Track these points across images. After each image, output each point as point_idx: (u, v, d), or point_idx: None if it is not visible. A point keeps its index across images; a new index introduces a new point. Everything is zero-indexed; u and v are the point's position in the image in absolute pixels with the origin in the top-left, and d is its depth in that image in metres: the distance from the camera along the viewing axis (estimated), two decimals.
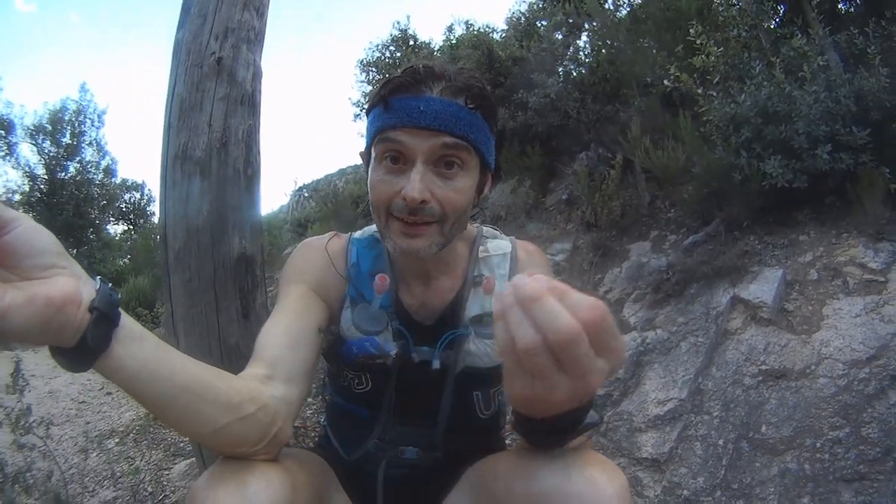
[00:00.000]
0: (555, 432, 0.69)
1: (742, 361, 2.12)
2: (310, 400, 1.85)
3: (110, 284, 0.60)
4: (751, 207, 2.64)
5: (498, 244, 1.06)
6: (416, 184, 0.81)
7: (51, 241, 0.55)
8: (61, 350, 0.56)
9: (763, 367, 2.06)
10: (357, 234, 1.07)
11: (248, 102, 1.49)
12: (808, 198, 2.51)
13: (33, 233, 0.53)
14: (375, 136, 0.86)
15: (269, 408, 0.74)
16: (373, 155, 0.88)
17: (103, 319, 0.57)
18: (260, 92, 1.55)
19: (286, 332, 0.87)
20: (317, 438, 1.25)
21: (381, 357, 0.94)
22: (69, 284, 0.54)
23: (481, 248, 1.04)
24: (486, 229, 1.10)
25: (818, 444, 1.80)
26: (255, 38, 1.54)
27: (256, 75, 1.54)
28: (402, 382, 0.99)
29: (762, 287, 2.28)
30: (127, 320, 0.61)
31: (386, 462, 1.00)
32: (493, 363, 0.99)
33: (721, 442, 1.94)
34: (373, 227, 1.05)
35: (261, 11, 1.56)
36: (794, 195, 2.45)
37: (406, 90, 0.84)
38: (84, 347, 0.56)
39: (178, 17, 1.49)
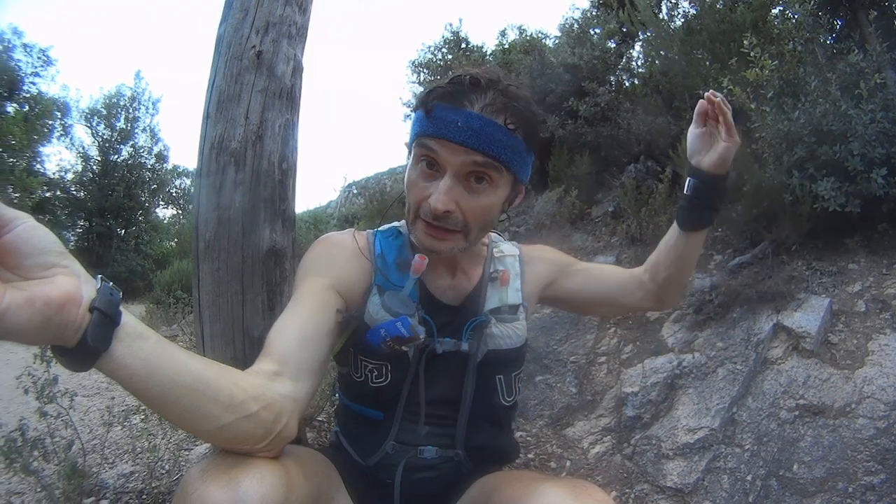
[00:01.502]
0: (724, 189, 1.01)
1: (780, 394, 2.02)
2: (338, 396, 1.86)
3: (111, 283, 0.60)
4: (800, 231, 2.52)
5: (507, 247, 1.15)
6: (441, 195, 0.86)
7: (51, 240, 0.55)
8: (62, 349, 0.56)
9: (801, 402, 1.95)
10: (380, 228, 1.11)
11: (287, 96, 1.49)
12: (860, 223, 2.38)
13: (34, 232, 0.53)
14: (415, 138, 0.91)
15: (273, 406, 0.74)
16: (413, 153, 0.93)
17: (104, 319, 0.56)
18: (300, 87, 1.56)
19: (299, 327, 0.87)
20: (327, 444, 1.24)
21: (410, 340, 0.92)
22: (69, 284, 0.54)
23: (495, 248, 1.13)
24: (493, 235, 1.16)
25: (850, 489, 1.69)
26: (296, 34, 1.54)
27: (297, 70, 1.54)
28: (423, 374, 0.99)
29: (807, 316, 2.17)
30: (128, 319, 0.60)
31: (404, 464, 0.99)
32: (516, 344, 1.04)
33: (750, 477, 1.85)
34: (395, 224, 1.11)
35: (303, 7, 1.56)
36: (846, 219, 2.33)
37: (449, 100, 0.87)
38: (85, 347, 0.55)
39: (222, 11, 1.51)
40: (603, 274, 1.18)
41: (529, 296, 1.11)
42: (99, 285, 0.58)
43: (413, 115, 0.95)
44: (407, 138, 1.02)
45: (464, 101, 0.86)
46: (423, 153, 0.89)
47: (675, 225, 1.06)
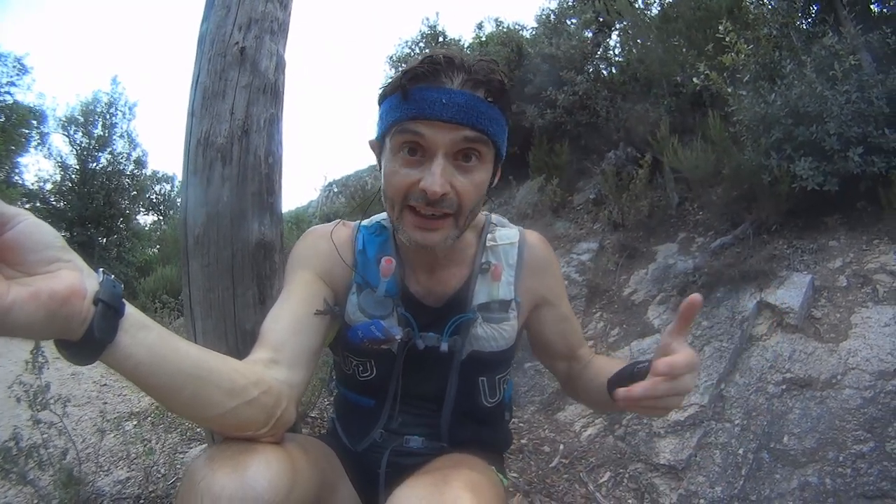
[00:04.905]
0: None
1: (766, 369, 2.07)
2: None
3: (112, 276, 0.61)
4: (780, 210, 2.58)
5: (506, 233, 1.05)
6: (437, 177, 0.80)
7: (53, 235, 0.55)
8: (67, 343, 0.56)
9: (788, 376, 2.00)
10: (365, 221, 1.07)
11: (271, 91, 1.49)
12: (838, 201, 2.44)
13: (36, 228, 0.53)
14: (392, 126, 0.84)
15: (272, 390, 0.75)
16: (388, 146, 0.86)
17: (108, 310, 0.57)
18: (283, 82, 1.56)
19: (291, 317, 0.88)
20: (325, 431, 1.25)
21: (386, 341, 0.92)
22: (73, 277, 0.54)
23: (489, 236, 1.04)
24: (495, 217, 1.09)
25: (841, 458, 1.73)
26: (278, 30, 1.54)
27: (279, 65, 1.54)
28: (406, 369, 0.99)
29: (790, 292, 2.22)
30: (131, 310, 0.61)
31: (390, 451, 1.00)
32: (500, 347, 0.99)
33: (741, 451, 1.89)
34: (381, 216, 1.05)
35: (284, 3, 1.56)
36: (825, 198, 2.39)
37: (425, 80, 0.82)
38: (90, 339, 0.56)
39: (203, 9, 1.51)
40: (571, 329, 1.09)
41: (526, 292, 1.02)
42: (101, 278, 0.59)
43: (381, 106, 0.89)
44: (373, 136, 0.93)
45: (442, 79, 0.82)
46: (405, 140, 0.82)
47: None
